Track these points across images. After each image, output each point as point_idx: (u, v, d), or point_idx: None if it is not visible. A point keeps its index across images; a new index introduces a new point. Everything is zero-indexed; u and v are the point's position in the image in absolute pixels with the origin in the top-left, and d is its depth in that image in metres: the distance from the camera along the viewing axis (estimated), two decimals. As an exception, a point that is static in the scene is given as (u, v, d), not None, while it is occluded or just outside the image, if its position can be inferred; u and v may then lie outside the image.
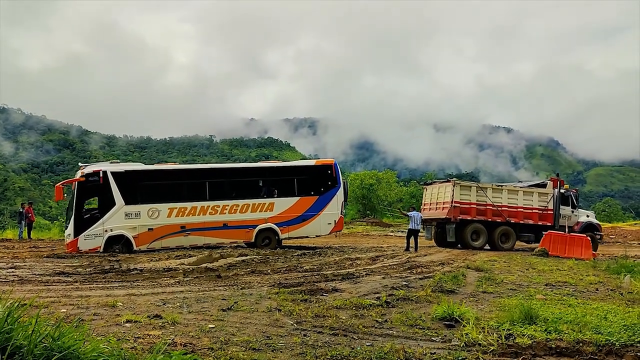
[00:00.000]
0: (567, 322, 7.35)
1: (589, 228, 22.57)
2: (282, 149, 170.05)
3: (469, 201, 21.50)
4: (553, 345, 6.22)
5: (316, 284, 10.49)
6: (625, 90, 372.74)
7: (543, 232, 20.71)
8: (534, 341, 6.39)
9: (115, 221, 18.05)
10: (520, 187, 22.68)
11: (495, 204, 21.62)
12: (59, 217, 50.36)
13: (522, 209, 21.84)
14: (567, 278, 12.63)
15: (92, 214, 18.10)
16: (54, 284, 10.29)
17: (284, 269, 13.00)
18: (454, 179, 22.76)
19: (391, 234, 33.09)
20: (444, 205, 21.76)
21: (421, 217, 20.28)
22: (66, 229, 18.48)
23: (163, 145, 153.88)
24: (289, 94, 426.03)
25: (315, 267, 13.47)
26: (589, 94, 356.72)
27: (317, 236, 21.17)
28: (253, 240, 19.50)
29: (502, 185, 22.75)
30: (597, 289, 11.13)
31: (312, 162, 21.94)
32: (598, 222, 23.61)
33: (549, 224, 21.76)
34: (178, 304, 8.18)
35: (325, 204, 20.44)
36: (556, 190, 22.05)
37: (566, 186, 22.89)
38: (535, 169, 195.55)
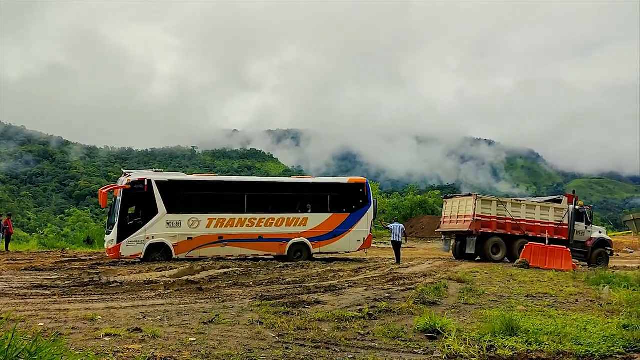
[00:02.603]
0: (547, 334, 7.41)
1: (601, 244, 23.10)
2: (265, 160, 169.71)
3: (489, 215, 21.95)
4: (534, 357, 6.26)
5: (298, 296, 10.45)
6: (602, 104, 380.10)
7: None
8: (515, 353, 6.43)
9: (157, 229, 18.32)
10: (538, 202, 23.17)
11: (514, 218, 22.03)
12: (37, 229, 49.65)
13: (539, 223, 22.31)
14: (548, 289, 12.74)
15: (135, 221, 18.27)
16: (31, 297, 10.11)
17: (266, 282, 12.92)
18: (476, 193, 23.27)
19: (374, 245, 33.12)
20: (466, 219, 22.13)
21: (402, 228, 20.29)
22: (108, 234, 18.65)
23: (144, 156, 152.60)
24: (271, 105, 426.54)
25: (297, 280, 13.41)
26: (567, 108, 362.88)
27: (346, 252, 21.43)
28: (286, 253, 19.84)
29: (520, 200, 23.21)
30: (577, 300, 11.24)
31: (345, 180, 22.21)
32: (609, 238, 24.09)
33: (564, 239, 22.23)
34: (159, 317, 8.09)
35: (356, 222, 20.82)
36: (571, 206, 22.53)
37: (581, 202, 23.45)
38: (516, 180, 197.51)
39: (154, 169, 20.32)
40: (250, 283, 12.64)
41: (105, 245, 18.87)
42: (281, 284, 12.64)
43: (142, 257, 18.02)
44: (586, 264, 22.21)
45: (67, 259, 19.94)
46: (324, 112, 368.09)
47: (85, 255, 21.50)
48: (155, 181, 18.48)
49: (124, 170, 19.90)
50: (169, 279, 13.19)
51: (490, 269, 17.66)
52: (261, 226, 19.63)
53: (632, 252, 25.74)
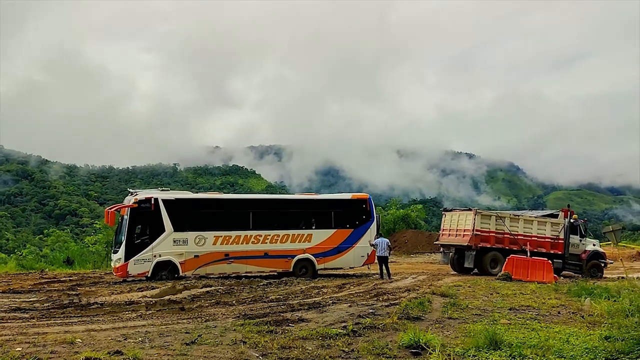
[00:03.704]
0: (531, 347, 7.44)
1: (595, 256, 23.53)
2: (248, 177, 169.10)
3: (488, 229, 22.30)
4: (518, 371, 6.28)
5: (282, 314, 10.38)
6: (580, 116, 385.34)
7: (554, 261, 21.52)
8: (499, 367, 6.44)
9: (163, 247, 18.53)
10: (535, 217, 23.51)
11: (512, 232, 22.37)
12: (15, 250, 48.77)
13: (535, 238, 22.61)
14: (530, 302, 12.82)
15: (142, 239, 18.46)
16: (9, 320, 9.92)
17: (250, 300, 12.84)
18: (476, 208, 23.66)
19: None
20: (465, 233, 22.47)
21: (388, 243, 20.33)
22: (115, 253, 18.78)
23: (125, 174, 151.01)
24: (253, 121, 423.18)
25: (281, 297, 13.34)
26: (546, 120, 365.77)
27: (350, 268, 21.68)
28: (291, 269, 20.03)
29: (518, 215, 23.58)
30: (559, 312, 11.33)
31: (348, 196, 22.59)
32: (603, 250, 24.43)
33: (560, 253, 22.59)
34: (140, 338, 7.98)
35: (360, 237, 21.11)
36: (566, 220, 22.94)
37: (575, 216, 23.86)
38: (497, 193, 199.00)
39: (160, 188, 20.78)
40: (233, 301, 12.54)
41: (112, 264, 18.98)
42: (264, 301, 12.56)
43: (149, 275, 18.14)
44: (580, 275, 22.43)
45: (46, 280, 19.58)
46: (306, 127, 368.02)
47: (65, 276, 21.13)
48: (162, 199, 18.74)
49: (130, 190, 20.22)
50: (151, 299, 13.03)
51: (473, 282, 17.73)
52: (266, 243, 19.90)
53: (612, 263, 26.07)
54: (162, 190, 20.11)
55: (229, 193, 24.99)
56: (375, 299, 13.04)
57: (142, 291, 14.78)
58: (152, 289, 15.18)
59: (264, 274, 19.86)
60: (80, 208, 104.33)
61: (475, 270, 22.51)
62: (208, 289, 14.95)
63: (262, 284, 16.64)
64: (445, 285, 16.48)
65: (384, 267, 19.78)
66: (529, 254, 21.24)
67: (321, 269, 20.69)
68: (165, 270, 18.35)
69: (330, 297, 13.31)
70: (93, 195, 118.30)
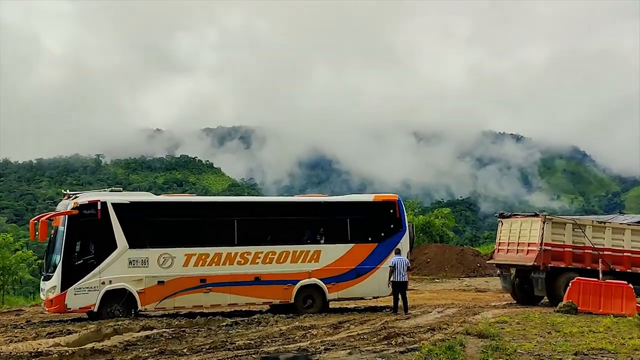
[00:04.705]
0: (605, 407, 7.49)
1: None
2: (202, 172, 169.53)
3: (562, 243, 22.30)
4: None
5: (254, 366, 10.39)
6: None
7: None
8: None
9: (115, 270, 18.45)
10: (628, 225, 23.49)
11: (595, 246, 22.32)
12: None
13: (629, 254, 22.59)
14: (604, 343, 12.91)
15: (85, 259, 18.35)
16: None
17: (207, 348, 12.84)
18: (544, 213, 23.58)
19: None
20: (530, 248, 22.49)
21: (407, 263, 20.35)
22: (47, 280, 18.65)
23: (27, 170, 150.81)
24: (209, 93, 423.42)
25: (252, 343, 13.35)
26: (623, 90, 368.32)
27: (374, 297, 21.64)
28: (292, 300, 20.03)
29: (604, 222, 23.54)
30: (644, 358, 11.41)
31: (370, 198, 22.93)
32: None
33: None
34: (51, 405, 7.95)
35: (387, 255, 20.93)
36: None
37: None
38: (555, 190, 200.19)
39: (108, 188, 21.04)
40: (185, 350, 12.55)
41: (44, 295, 18.88)
42: (228, 349, 12.59)
43: (95, 309, 18.04)
44: None
45: None
46: (285, 102, 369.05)
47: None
48: (112, 204, 18.69)
49: (66, 192, 20.19)
50: (67, 348, 13.02)
51: (523, 317, 17.82)
52: (257, 263, 19.91)
53: None
54: (113, 191, 20.18)
55: (185, 194, 24.82)
56: (386, 342, 13.08)
57: (53, 337, 14.73)
58: (69, 333, 15.12)
59: (254, 308, 19.85)
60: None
61: (545, 299, 22.56)
62: (148, 332, 14.93)
63: (224, 324, 16.63)
64: (485, 321, 16.55)
65: (399, 297, 19.80)
66: (601, 275, 21.32)
67: (334, 300, 20.70)
68: (118, 302, 18.30)
69: (321, 342, 13.33)
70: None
